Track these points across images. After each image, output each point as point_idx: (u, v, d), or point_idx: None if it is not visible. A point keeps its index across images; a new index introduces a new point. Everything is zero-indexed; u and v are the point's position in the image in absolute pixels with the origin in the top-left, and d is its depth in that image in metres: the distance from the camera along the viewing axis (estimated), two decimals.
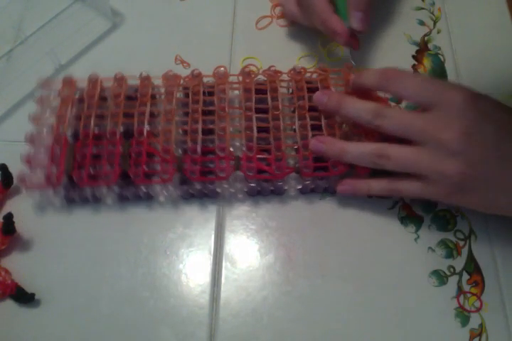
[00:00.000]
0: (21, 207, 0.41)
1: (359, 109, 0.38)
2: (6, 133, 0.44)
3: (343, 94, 0.42)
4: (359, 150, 0.38)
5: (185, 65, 0.46)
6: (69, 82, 0.43)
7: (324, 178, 0.41)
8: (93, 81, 0.43)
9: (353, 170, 0.40)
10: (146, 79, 0.43)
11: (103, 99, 0.43)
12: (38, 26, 0.47)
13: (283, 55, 0.49)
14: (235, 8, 0.52)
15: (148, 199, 0.42)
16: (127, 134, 0.41)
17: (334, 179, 0.41)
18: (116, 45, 0.50)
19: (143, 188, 0.41)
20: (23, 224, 0.40)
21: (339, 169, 0.40)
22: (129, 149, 0.40)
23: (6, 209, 0.41)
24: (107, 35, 0.50)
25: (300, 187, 0.42)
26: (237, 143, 0.42)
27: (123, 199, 0.42)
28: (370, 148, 0.38)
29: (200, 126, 0.41)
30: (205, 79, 0.44)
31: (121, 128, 0.41)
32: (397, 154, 0.36)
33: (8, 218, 0.38)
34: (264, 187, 0.41)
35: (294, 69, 0.44)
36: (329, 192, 0.43)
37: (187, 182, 0.40)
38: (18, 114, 0.45)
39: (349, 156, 0.39)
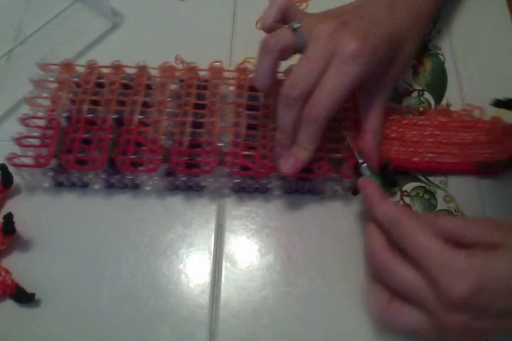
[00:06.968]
0: (21, 207, 0.41)
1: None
2: (6, 133, 0.44)
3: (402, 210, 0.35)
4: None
5: (185, 64, 0.46)
6: (68, 66, 0.44)
7: (308, 179, 0.41)
8: (91, 67, 0.44)
9: (337, 173, 0.40)
10: (142, 69, 0.44)
11: (100, 85, 0.43)
12: (38, 26, 0.47)
13: None
14: (235, 8, 0.52)
15: (135, 188, 0.42)
16: (119, 122, 0.42)
17: (318, 181, 0.41)
18: (116, 45, 0.50)
19: (129, 177, 0.41)
20: (23, 224, 0.40)
21: (323, 171, 0.40)
22: (119, 137, 0.41)
23: (6, 209, 0.41)
24: (107, 35, 0.50)
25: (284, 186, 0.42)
26: (227, 139, 0.42)
27: (109, 186, 0.42)
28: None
29: (190, 119, 0.41)
30: (201, 74, 0.44)
31: (113, 116, 0.41)
32: None
33: (8, 218, 0.38)
34: (249, 184, 0.41)
35: (289, 69, 0.44)
36: (313, 193, 0.43)
37: (172, 174, 0.41)
38: (18, 114, 0.45)
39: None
